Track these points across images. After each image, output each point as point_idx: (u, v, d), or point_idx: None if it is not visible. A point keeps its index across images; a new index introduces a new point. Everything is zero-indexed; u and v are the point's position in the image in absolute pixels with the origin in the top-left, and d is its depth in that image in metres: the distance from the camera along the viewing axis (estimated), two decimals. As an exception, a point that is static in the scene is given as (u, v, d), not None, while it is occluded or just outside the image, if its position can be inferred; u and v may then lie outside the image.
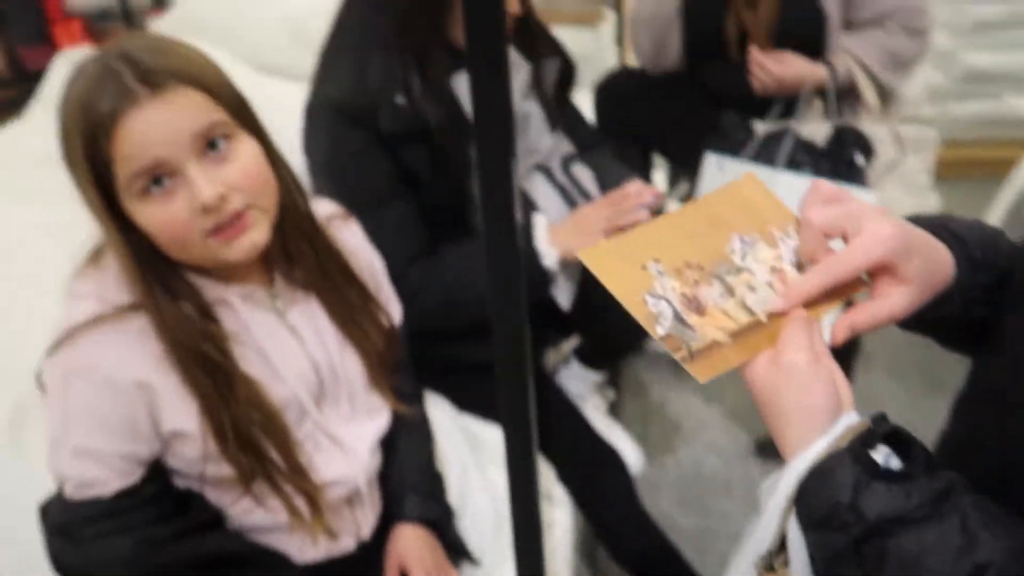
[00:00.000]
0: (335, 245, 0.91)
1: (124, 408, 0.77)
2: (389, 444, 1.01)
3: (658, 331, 0.54)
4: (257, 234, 0.77)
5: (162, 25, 2.58)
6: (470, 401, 1.35)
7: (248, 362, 0.82)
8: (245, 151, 0.76)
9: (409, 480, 1.02)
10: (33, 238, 1.58)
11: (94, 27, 4.07)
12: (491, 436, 1.33)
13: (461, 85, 1.16)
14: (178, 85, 0.72)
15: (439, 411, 1.29)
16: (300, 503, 0.86)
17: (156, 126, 0.71)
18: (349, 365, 0.91)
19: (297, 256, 0.86)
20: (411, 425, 1.05)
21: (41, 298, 1.38)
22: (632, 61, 1.77)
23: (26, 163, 1.85)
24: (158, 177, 0.72)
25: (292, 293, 0.87)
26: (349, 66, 1.15)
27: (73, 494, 0.79)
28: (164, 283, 0.77)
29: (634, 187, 1.22)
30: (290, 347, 0.86)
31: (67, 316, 0.78)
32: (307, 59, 2.28)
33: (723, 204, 0.60)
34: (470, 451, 1.27)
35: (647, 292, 0.55)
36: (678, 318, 0.54)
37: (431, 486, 1.05)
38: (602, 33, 2.49)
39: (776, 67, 1.48)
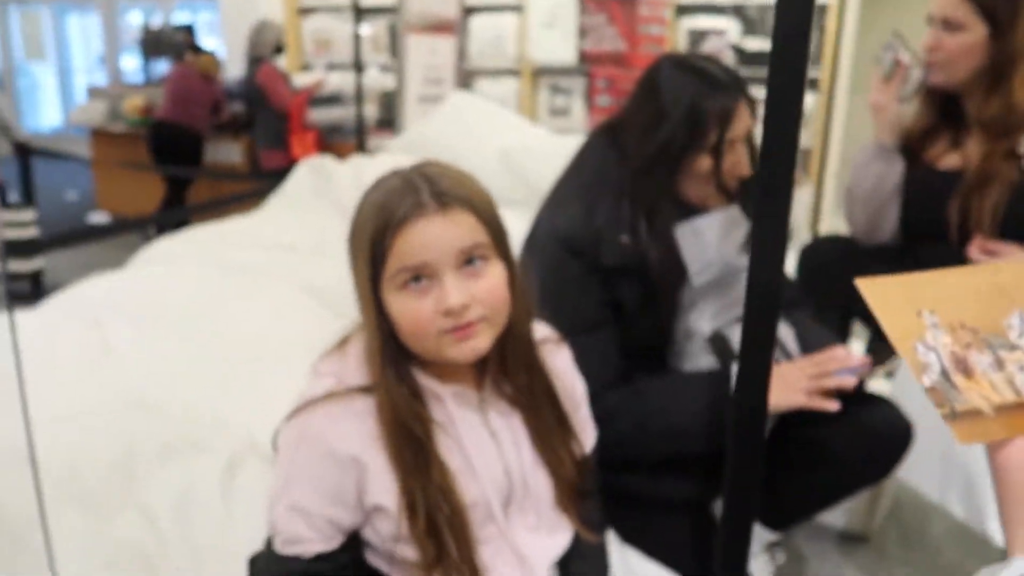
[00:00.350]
0: (545, 368, 0.97)
1: (338, 477, 0.85)
2: (565, 565, 1.01)
3: (924, 380, 0.55)
4: (481, 342, 0.86)
5: (392, 145, 2.91)
6: (636, 535, 1.33)
7: (448, 451, 0.89)
8: (494, 273, 0.87)
9: None
10: (260, 313, 1.77)
11: (325, 140, 4.63)
12: (649, 574, 1.30)
13: (681, 234, 1.23)
14: (459, 207, 0.85)
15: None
16: None
17: (434, 236, 0.83)
18: (540, 480, 0.95)
19: (512, 372, 0.93)
20: (591, 550, 1.05)
21: (259, 367, 1.54)
22: (826, 229, 1.78)
23: (264, 247, 2.10)
24: (419, 276, 0.84)
25: (498, 402, 0.94)
26: (581, 203, 1.25)
27: (280, 548, 0.87)
28: (395, 367, 0.87)
29: (841, 351, 1.22)
30: (488, 448, 0.92)
31: (308, 389, 0.89)
32: (516, 187, 2.50)
33: (1014, 277, 0.61)
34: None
35: (919, 340, 0.57)
36: (944, 374, 0.56)
37: None
38: (799, 198, 2.53)
39: (1000, 260, 1.43)
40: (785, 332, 1.36)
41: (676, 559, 1.29)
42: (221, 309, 1.74)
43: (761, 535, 1.45)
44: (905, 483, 1.63)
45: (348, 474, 0.85)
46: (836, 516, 2.02)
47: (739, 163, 1.22)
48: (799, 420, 1.23)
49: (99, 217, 5.75)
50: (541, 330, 1.03)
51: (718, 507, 1.47)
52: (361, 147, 3.62)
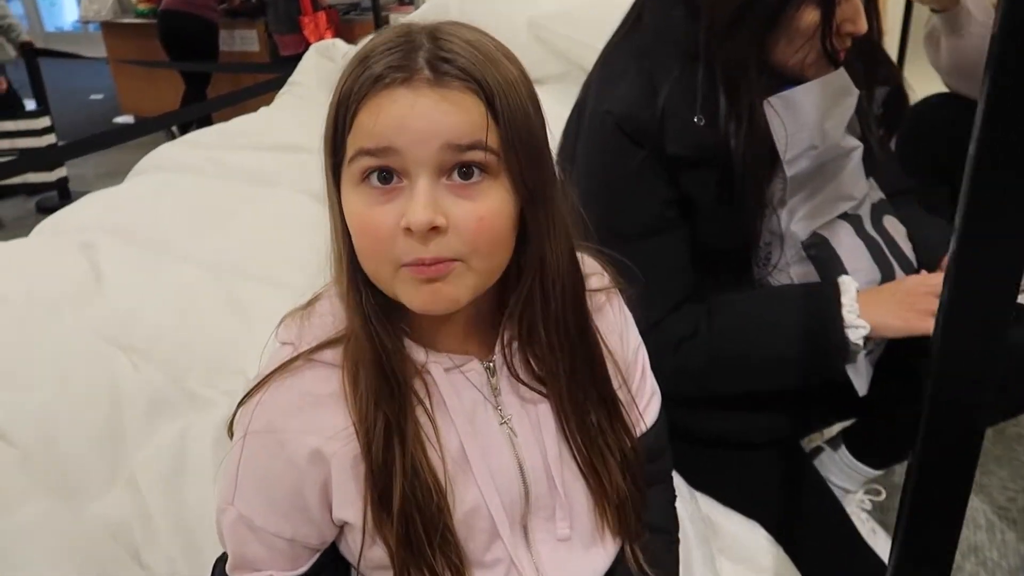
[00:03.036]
0: (594, 332, 0.70)
1: (295, 482, 0.62)
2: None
3: None
4: (453, 290, 0.59)
5: (407, 20, 2.57)
6: (710, 481, 1.12)
7: (435, 443, 0.64)
8: (494, 198, 0.58)
9: None
10: (262, 227, 1.56)
11: (340, 19, 4.27)
12: (728, 524, 1.11)
13: (772, 111, 0.94)
14: (464, 84, 0.56)
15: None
16: None
17: (413, 114, 0.55)
18: (574, 483, 0.70)
19: (546, 345, 0.65)
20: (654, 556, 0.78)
21: (261, 294, 1.33)
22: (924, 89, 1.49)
23: (269, 149, 1.87)
24: (387, 172, 0.57)
25: (516, 379, 0.67)
26: (639, 74, 0.97)
27: (230, 570, 0.66)
28: (370, 301, 0.61)
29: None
30: (495, 440, 0.66)
31: (266, 365, 0.65)
32: (549, 62, 2.18)
33: None
34: (699, 538, 1.06)
35: None
36: None
37: None
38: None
39: None
40: (896, 228, 1.09)
41: (761, 506, 1.09)
42: (221, 225, 1.53)
43: (858, 471, 1.24)
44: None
45: (308, 476, 0.62)
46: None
47: (854, 17, 0.91)
48: (913, 342, 0.98)
49: (125, 120, 5.55)
50: (584, 263, 0.73)
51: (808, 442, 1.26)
52: (378, 26, 3.28)
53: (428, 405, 0.63)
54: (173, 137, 4.11)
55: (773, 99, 0.93)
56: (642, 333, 0.79)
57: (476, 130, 0.56)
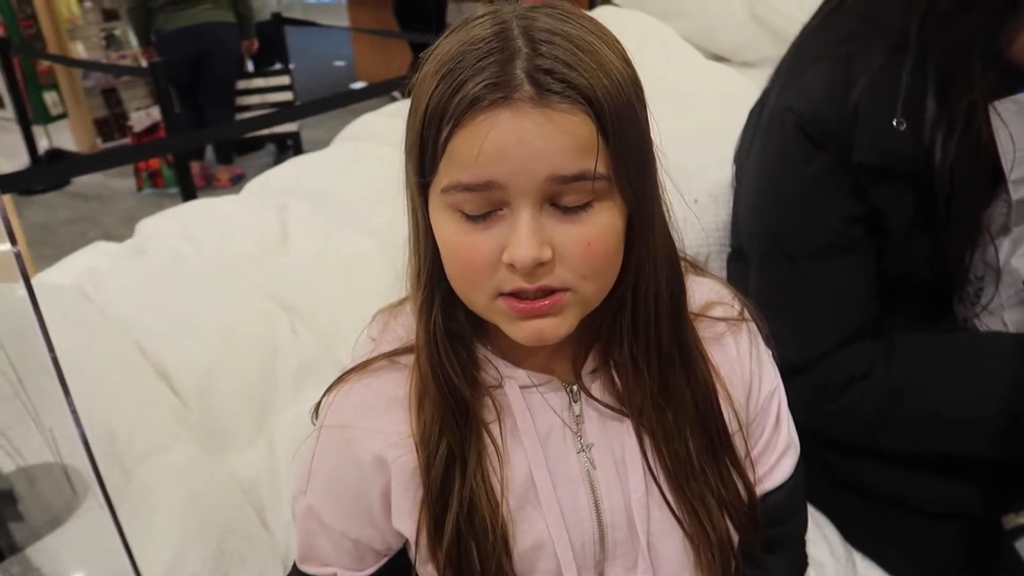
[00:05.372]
0: (703, 361, 0.61)
1: (359, 485, 0.62)
2: None
3: None
4: (557, 325, 0.54)
5: (619, -6, 2.47)
6: (875, 543, 0.97)
7: (500, 468, 0.60)
8: (602, 220, 0.52)
9: None
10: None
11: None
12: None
13: (999, 116, 0.76)
14: (572, 103, 0.49)
15: (816, 541, 0.94)
16: None
17: (516, 143, 0.49)
18: (665, 534, 0.61)
19: (629, 359, 0.58)
20: None
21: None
22: None
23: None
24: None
25: (603, 402, 0.61)
26: (835, 64, 0.83)
27: (299, 561, 0.67)
28: (445, 316, 0.58)
29: None
30: (569, 471, 0.60)
31: (351, 359, 0.65)
32: (765, 43, 1.99)
33: None
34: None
35: None
36: None
37: None
38: None
39: None
40: None
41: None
42: (400, 197, 1.56)
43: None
44: None
45: (371, 480, 0.61)
46: None
47: None
48: None
49: (359, 87, 5.98)
50: (707, 290, 0.65)
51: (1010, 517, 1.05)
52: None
53: (498, 426, 0.59)
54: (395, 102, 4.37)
55: (1003, 103, 0.75)
56: (797, 368, 0.68)
57: (583, 157, 0.50)
